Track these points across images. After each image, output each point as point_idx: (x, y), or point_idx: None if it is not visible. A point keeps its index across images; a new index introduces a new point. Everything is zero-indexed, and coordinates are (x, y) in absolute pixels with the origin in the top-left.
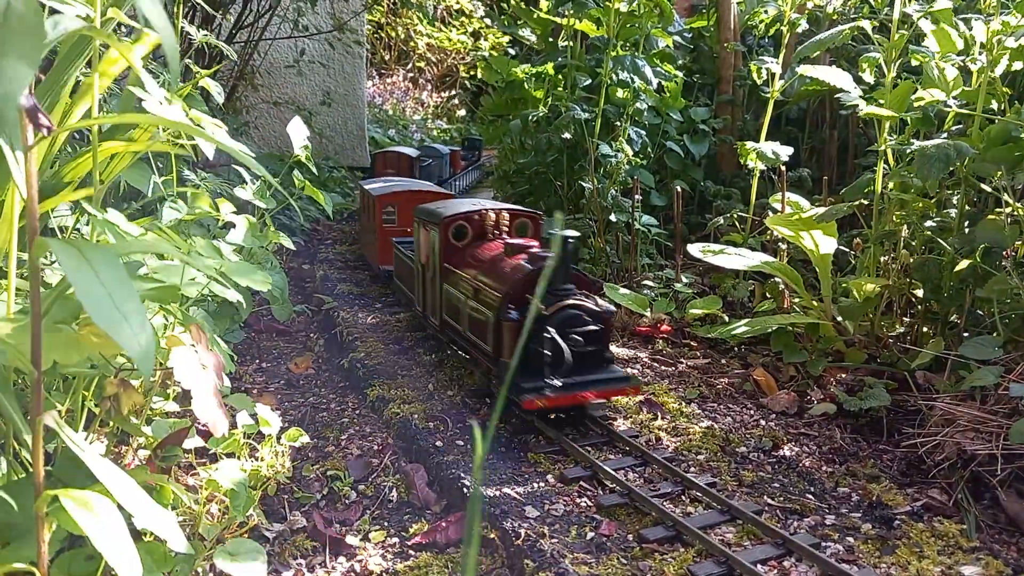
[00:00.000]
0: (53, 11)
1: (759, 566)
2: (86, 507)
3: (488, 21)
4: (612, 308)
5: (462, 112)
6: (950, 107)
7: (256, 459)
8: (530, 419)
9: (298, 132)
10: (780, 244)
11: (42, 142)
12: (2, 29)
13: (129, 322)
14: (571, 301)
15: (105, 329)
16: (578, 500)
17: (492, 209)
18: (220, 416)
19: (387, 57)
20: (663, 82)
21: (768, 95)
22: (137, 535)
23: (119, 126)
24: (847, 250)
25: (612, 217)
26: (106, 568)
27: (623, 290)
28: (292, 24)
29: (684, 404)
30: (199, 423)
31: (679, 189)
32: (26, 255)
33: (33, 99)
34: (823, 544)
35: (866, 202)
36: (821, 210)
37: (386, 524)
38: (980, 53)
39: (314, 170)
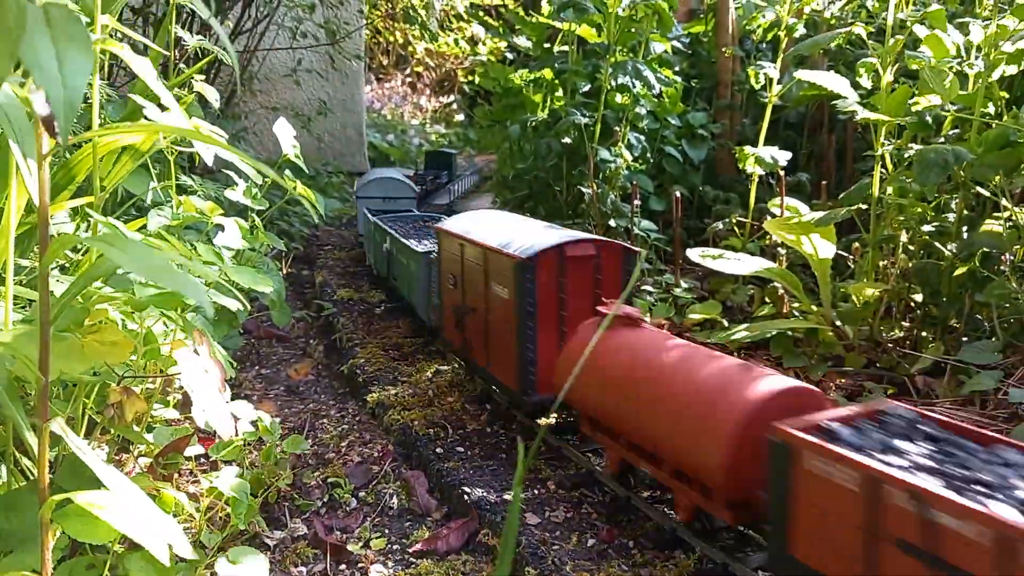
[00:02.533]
0: None
1: (759, 573)
2: (101, 504)
3: (483, 30)
4: None
5: (460, 117)
6: (948, 111)
7: (256, 466)
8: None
9: (285, 131)
10: (779, 249)
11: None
12: (50, 26)
13: (173, 276)
14: None
15: (158, 282)
16: (579, 507)
17: None
18: (224, 421)
19: (385, 62)
20: (662, 87)
21: (766, 100)
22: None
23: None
24: (846, 255)
25: (611, 222)
26: None
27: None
28: (291, 33)
29: None
30: (200, 430)
31: (678, 194)
32: (25, 262)
33: (49, 107)
34: None
35: (864, 207)
36: (820, 214)
37: (387, 531)
38: (977, 57)
39: (304, 168)
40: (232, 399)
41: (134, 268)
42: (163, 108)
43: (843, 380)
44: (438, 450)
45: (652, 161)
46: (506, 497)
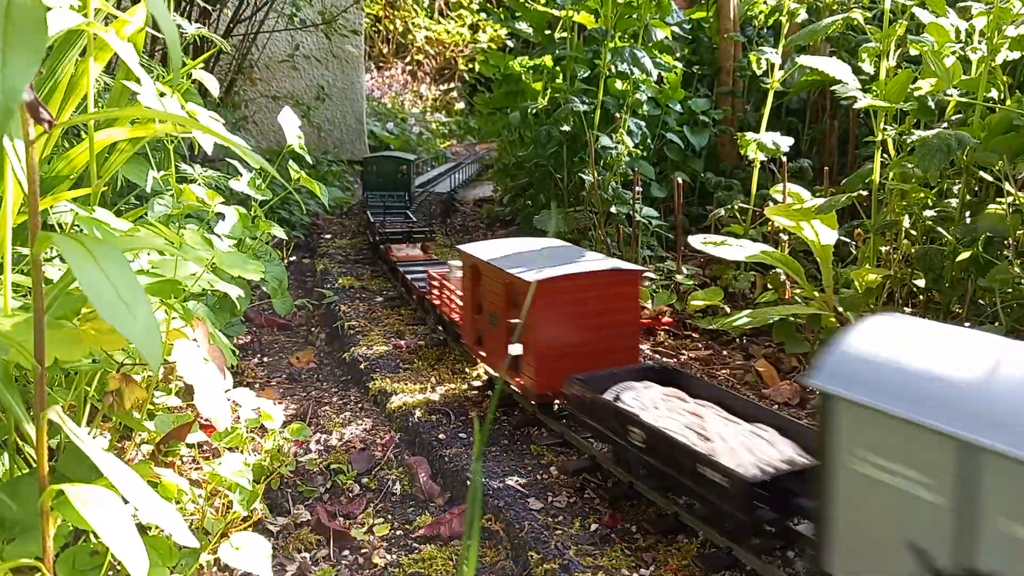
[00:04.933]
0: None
1: (762, 556)
2: (91, 501)
3: (484, 15)
4: None
5: (460, 105)
6: (950, 96)
7: (259, 453)
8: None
9: (290, 121)
10: (781, 235)
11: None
12: (6, 21)
13: (134, 314)
14: None
15: (110, 321)
16: (581, 492)
17: None
18: (223, 408)
19: (385, 50)
20: (663, 73)
21: (768, 86)
22: (141, 530)
23: (111, 120)
24: (848, 240)
25: (613, 209)
26: (111, 563)
27: None
28: (288, 19)
29: None
30: (202, 418)
31: (679, 181)
32: (24, 251)
33: (33, 93)
34: None
35: (866, 192)
36: (821, 201)
37: (390, 517)
38: (980, 42)
39: (309, 159)
40: (234, 387)
41: (87, 286)
42: (160, 94)
43: None
44: (440, 436)
45: (653, 148)
46: (508, 483)
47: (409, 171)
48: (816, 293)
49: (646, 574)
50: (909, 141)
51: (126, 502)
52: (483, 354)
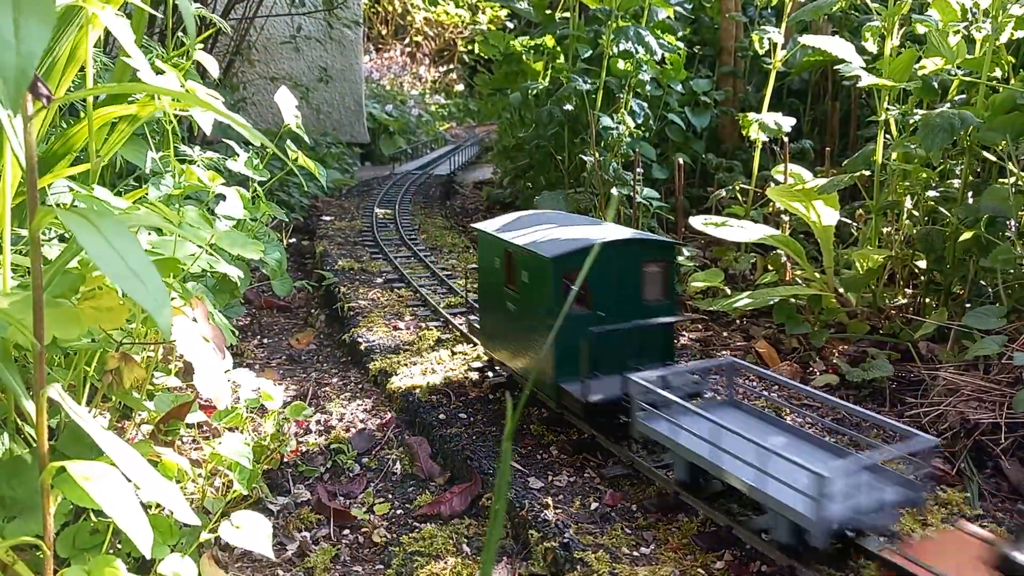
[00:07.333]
0: None
1: (763, 535)
2: (93, 477)
3: None
4: None
5: (460, 87)
6: (954, 75)
7: (259, 433)
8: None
9: (286, 100)
10: (782, 216)
11: (38, 114)
12: None
13: (143, 280)
14: None
15: (121, 287)
16: (581, 471)
17: None
18: (223, 388)
19: (384, 32)
20: (665, 54)
21: (770, 66)
22: (142, 508)
23: (110, 99)
24: (849, 221)
25: (613, 191)
26: (111, 541)
27: None
28: (290, 2)
29: None
30: (201, 398)
31: (681, 162)
32: (21, 232)
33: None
34: None
35: (868, 173)
36: (823, 181)
37: (390, 496)
38: (984, 21)
39: (305, 138)
40: (234, 368)
41: (96, 256)
42: (158, 72)
43: (846, 347)
44: (440, 416)
45: (655, 128)
46: (509, 462)
47: (669, 259)
48: (817, 274)
49: (647, 552)
50: (912, 121)
51: (127, 480)
52: None
